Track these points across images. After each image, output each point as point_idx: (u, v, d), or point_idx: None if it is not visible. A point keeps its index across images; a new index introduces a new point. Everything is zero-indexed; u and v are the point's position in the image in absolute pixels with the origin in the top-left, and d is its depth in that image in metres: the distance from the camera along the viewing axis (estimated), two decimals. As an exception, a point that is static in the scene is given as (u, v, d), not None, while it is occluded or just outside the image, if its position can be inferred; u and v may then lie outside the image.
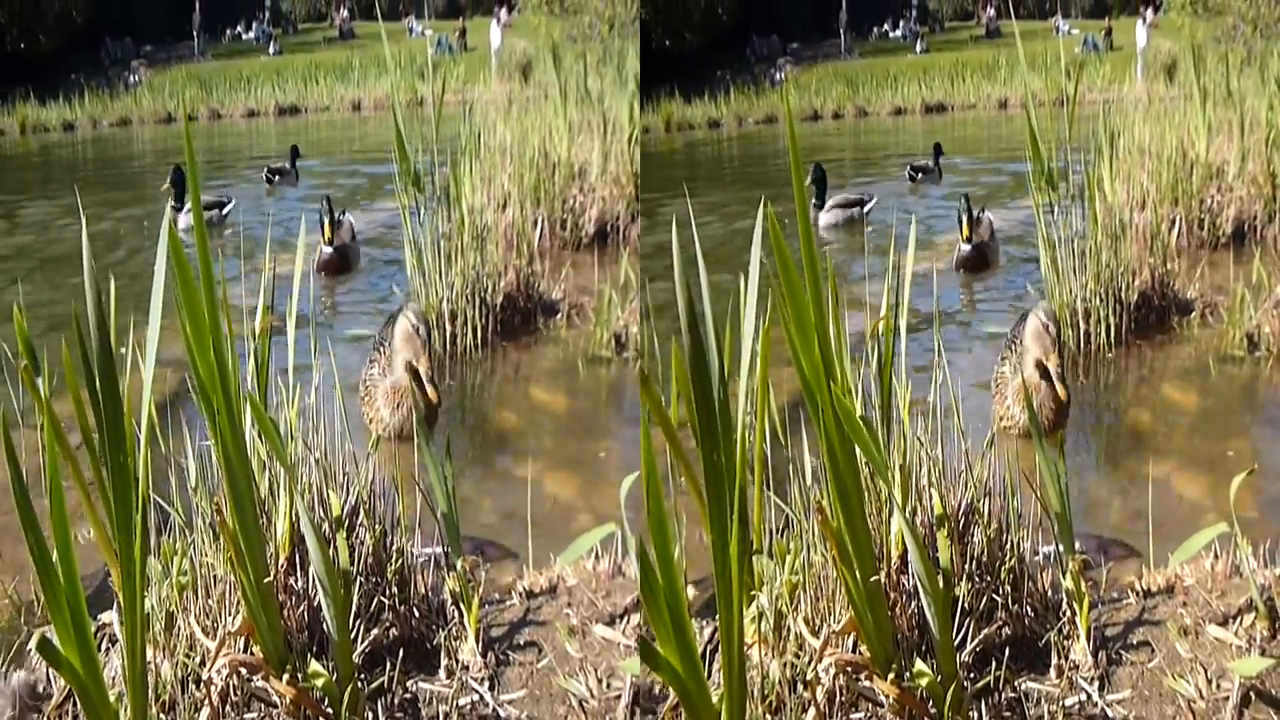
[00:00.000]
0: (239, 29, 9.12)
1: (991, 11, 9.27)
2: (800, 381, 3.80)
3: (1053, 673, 4.36)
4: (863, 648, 4.16)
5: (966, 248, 7.29)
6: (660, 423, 3.85)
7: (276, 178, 8.52)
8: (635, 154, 7.67)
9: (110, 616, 4.43)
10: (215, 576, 4.41)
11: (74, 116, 8.88)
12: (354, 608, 4.44)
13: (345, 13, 9.18)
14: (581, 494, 5.51)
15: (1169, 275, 6.78)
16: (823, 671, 4.16)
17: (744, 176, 8.75)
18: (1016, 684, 4.32)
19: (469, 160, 7.26)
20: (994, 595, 4.46)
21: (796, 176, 3.69)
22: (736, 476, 3.71)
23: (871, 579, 4.01)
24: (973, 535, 4.54)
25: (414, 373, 5.74)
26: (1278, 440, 5.96)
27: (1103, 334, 6.49)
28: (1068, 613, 4.46)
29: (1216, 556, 4.70)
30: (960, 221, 7.27)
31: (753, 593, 4.28)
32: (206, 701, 4.22)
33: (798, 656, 4.25)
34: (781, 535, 4.48)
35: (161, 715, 4.22)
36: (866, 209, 8.02)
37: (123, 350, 4.33)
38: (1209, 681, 4.26)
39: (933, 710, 4.14)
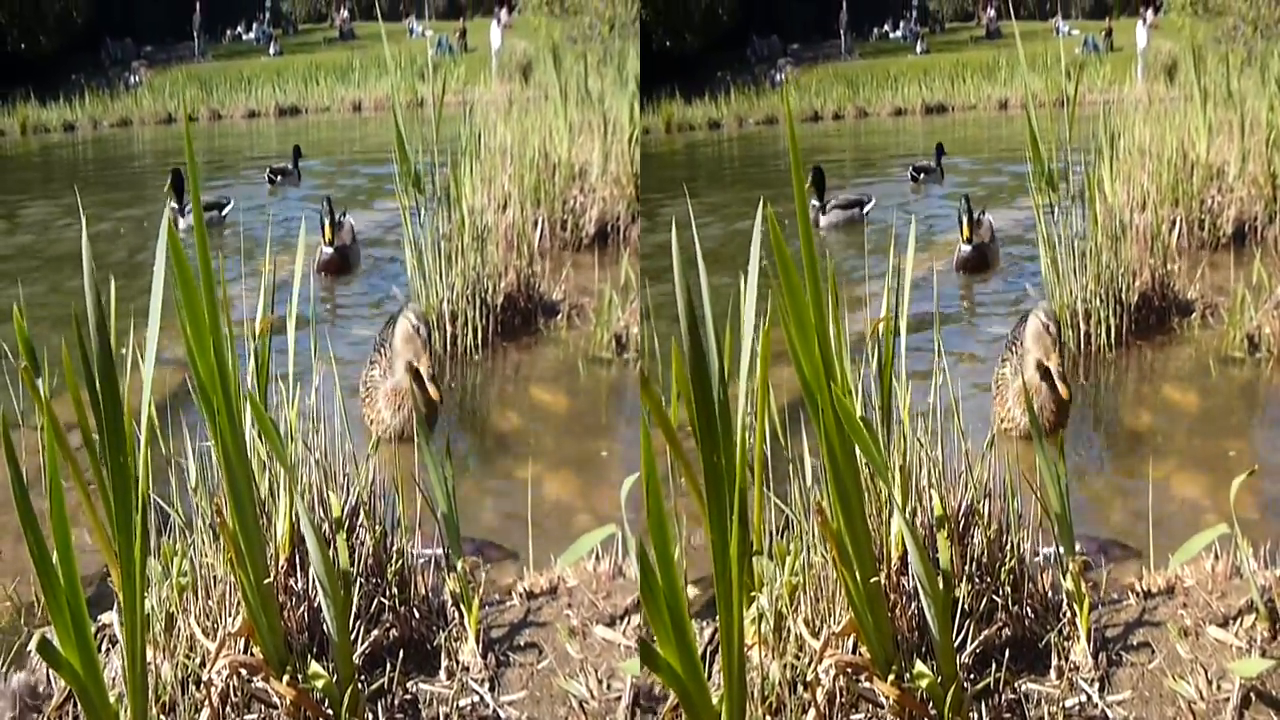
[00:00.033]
0: (239, 30, 9.13)
1: (992, 12, 9.27)
2: (800, 382, 3.80)
3: (1053, 674, 4.36)
4: (863, 649, 4.16)
5: (967, 248, 7.29)
6: (660, 424, 3.84)
7: (279, 178, 8.53)
8: (635, 154, 7.67)
9: (110, 617, 4.44)
10: (215, 577, 4.41)
11: (74, 117, 8.89)
12: (354, 609, 4.44)
13: (345, 13, 9.19)
14: (582, 495, 5.51)
15: (1169, 276, 6.78)
16: (823, 673, 4.16)
17: (744, 177, 8.76)
18: (1017, 685, 4.32)
19: (469, 161, 7.26)
20: (994, 596, 4.46)
21: (797, 177, 3.69)
22: (736, 478, 3.71)
23: (871, 580, 4.00)
24: (973, 536, 4.54)
25: (415, 373, 5.75)
26: (1278, 441, 5.95)
27: (1103, 335, 6.49)
28: (1068, 614, 4.46)
29: (1217, 557, 4.70)
30: (960, 222, 7.28)
31: (753, 594, 4.28)
32: (206, 702, 4.21)
33: (798, 658, 4.25)
34: (781, 536, 4.48)
35: (161, 716, 4.22)
36: (865, 210, 8.03)
37: (123, 350, 4.34)
38: (1209, 683, 4.26)
39: (933, 711, 4.14)
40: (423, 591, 4.68)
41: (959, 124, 9.10)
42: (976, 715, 4.23)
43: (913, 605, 4.30)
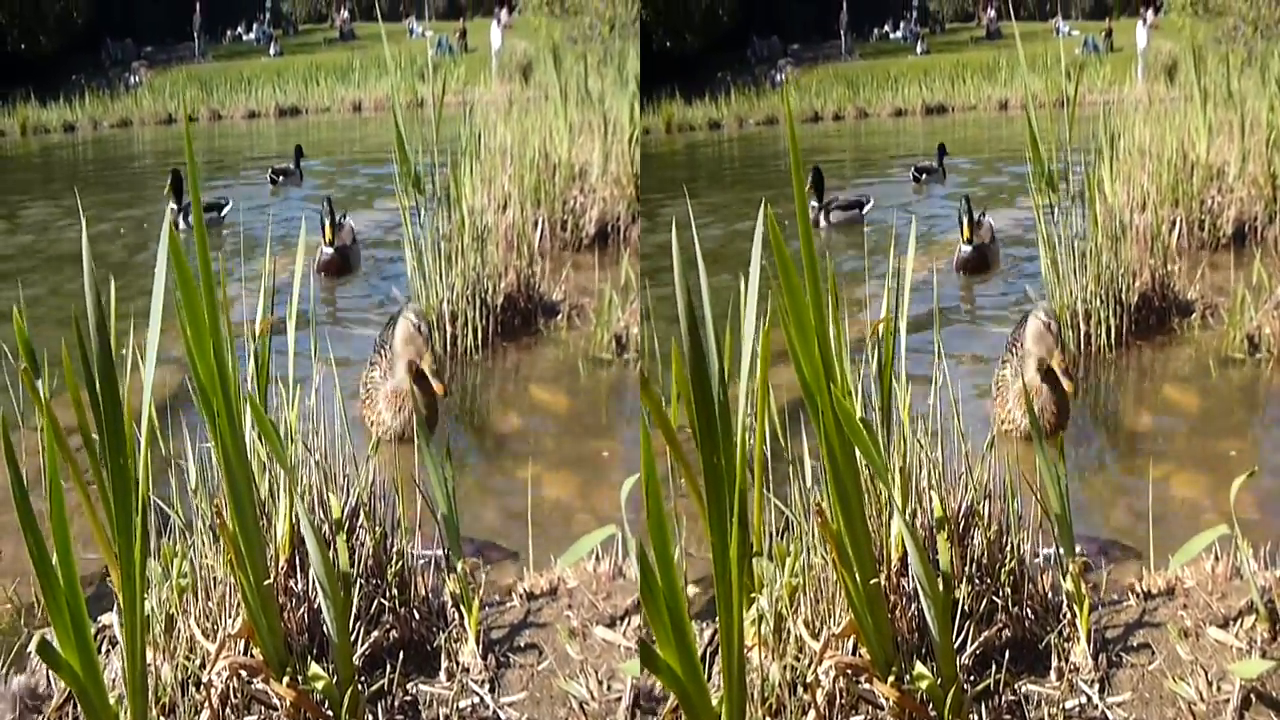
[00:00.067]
0: (239, 30, 9.13)
1: (992, 13, 9.27)
2: (800, 383, 3.80)
3: (1053, 675, 4.36)
4: (863, 650, 4.16)
5: (967, 249, 7.29)
6: (660, 425, 3.84)
7: (281, 178, 8.53)
8: (636, 155, 7.67)
9: (110, 618, 4.43)
10: (215, 579, 4.41)
11: (75, 118, 8.89)
12: (354, 610, 4.44)
13: (346, 14, 9.19)
14: (582, 495, 5.51)
15: (1169, 276, 6.78)
16: (823, 674, 4.15)
17: (745, 178, 8.76)
18: (1017, 686, 4.31)
19: (469, 161, 7.26)
20: (994, 597, 4.46)
21: (797, 179, 3.69)
22: (736, 479, 3.71)
23: (871, 581, 4.00)
24: (973, 537, 4.54)
25: (417, 373, 5.75)
26: (1279, 441, 5.95)
27: (1103, 335, 6.49)
28: (1068, 615, 4.46)
29: (1217, 558, 4.69)
30: (961, 223, 7.27)
31: (753, 595, 4.28)
32: (206, 704, 4.21)
33: (798, 659, 4.24)
34: (781, 537, 4.48)
35: (161, 718, 4.22)
36: (865, 210, 8.04)
37: (123, 351, 4.34)
38: (1209, 684, 4.26)
39: (933, 713, 4.13)
40: (423, 592, 4.68)
41: (959, 124, 9.10)
42: (976, 717, 4.23)
43: (913, 606, 4.30)
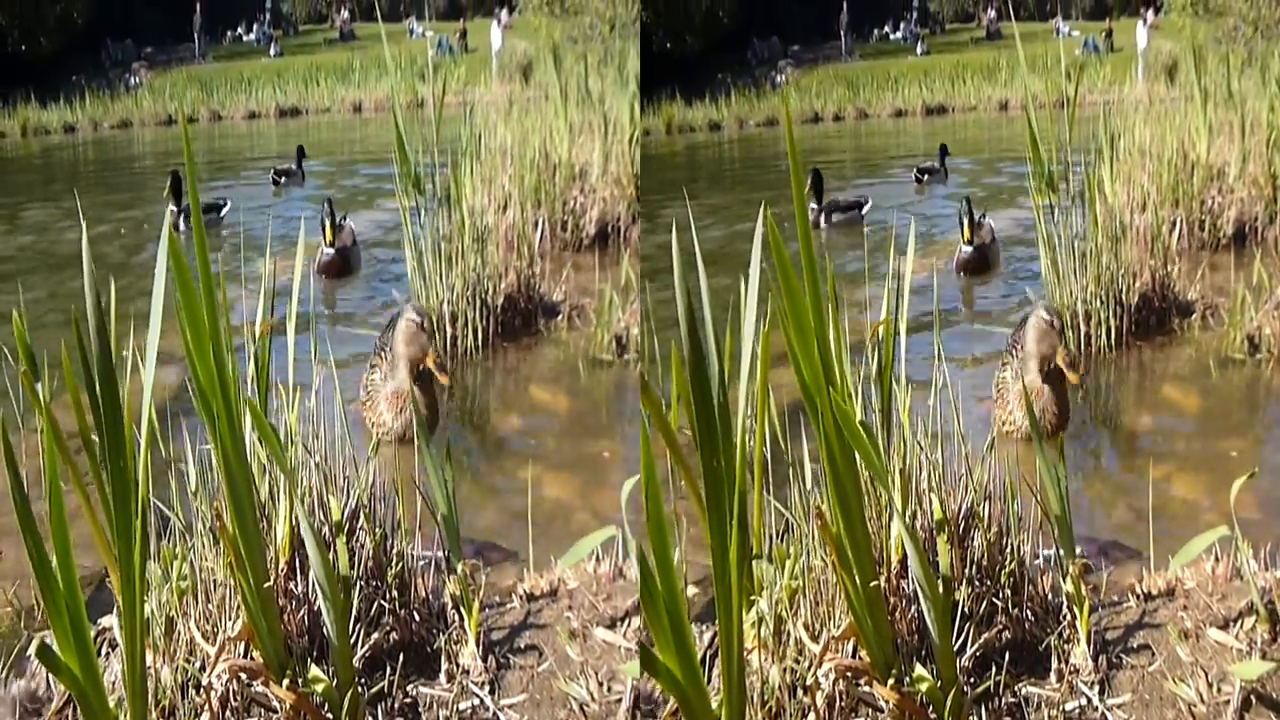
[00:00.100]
0: (239, 31, 9.12)
1: (992, 13, 9.27)
2: (800, 386, 3.80)
3: (1053, 677, 4.36)
4: (862, 653, 4.16)
5: (968, 249, 7.28)
6: (660, 429, 3.84)
7: (283, 179, 8.53)
8: (636, 155, 7.67)
9: (110, 621, 4.44)
10: (215, 581, 4.41)
11: (75, 119, 8.88)
12: (354, 612, 4.44)
13: (346, 14, 9.18)
14: (583, 496, 5.50)
15: (1169, 277, 6.78)
16: (822, 677, 4.16)
17: (745, 179, 8.76)
18: (1016, 689, 4.32)
19: (469, 162, 7.26)
20: (994, 599, 4.46)
21: (796, 181, 3.69)
22: (736, 483, 3.71)
23: (871, 584, 4.00)
24: (973, 539, 4.54)
25: (417, 374, 5.76)
26: (1279, 442, 5.95)
27: (1103, 336, 6.49)
28: (1068, 616, 4.46)
29: (1217, 559, 4.70)
30: (961, 224, 7.27)
31: (752, 598, 4.28)
32: (206, 707, 4.22)
33: (797, 662, 4.24)
34: (781, 540, 4.48)
35: (161, 720, 4.23)
36: (864, 210, 8.04)
37: (123, 353, 4.34)
38: (1210, 685, 4.26)
39: (933, 715, 4.14)
40: (423, 594, 4.68)
41: (959, 125, 9.10)
42: (976, 719, 4.23)
43: (912, 609, 4.30)
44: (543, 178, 7.57)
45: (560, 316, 7.01)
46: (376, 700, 4.36)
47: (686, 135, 8.84)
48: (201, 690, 4.23)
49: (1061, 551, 4.51)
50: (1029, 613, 4.50)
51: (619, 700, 4.40)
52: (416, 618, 4.62)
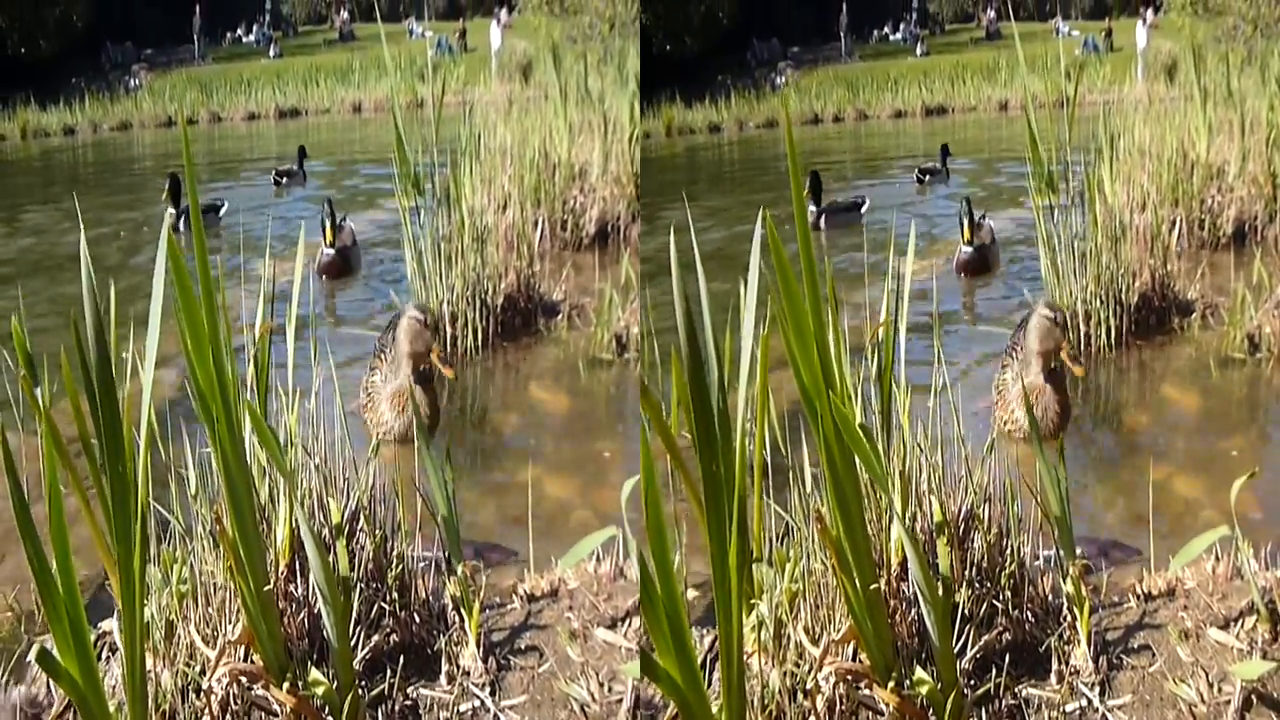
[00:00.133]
0: (239, 32, 9.13)
1: (991, 13, 9.27)
2: (799, 390, 3.79)
3: (1053, 678, 4.36)
4: (863, 656, 4.15)
5: (968, 250, 7.28)
6: (660, 433, 3.84)
7: (284, 179, 8.53)
8: (636, 154, 7.67)
9: (110, 625, 4.43)
10: (215, 584, 4.41)
11: (74, 121, 8.89)
12: (354, 614, 4.44)
13: (345, 15, 9.18)
14: (583, 495, 5.50)
15: (1169, 276, 6.77)
16: (823, 680, 4.15)
17: (745, 181, 8.76)
18: (1017, 690, 4.32)
19: (469, 161, 7.25)
20: (994, 601, 4.46)
21: (795, 183, 3.69)
22: (736, 487, 3.71)
23: (871, 587, 4.00)
24: (973, 541, 4.54)
25: (419, 374, 5.76)
26: (1279, 441, 5.95)
27: (1103, 336, 6.49)
28: (1068, 617, 4.46)
29: (1218, 559, 4.69)
30: (961, 224, 7.27)
31: (752, 601, 4.28)
32: (206, 711, 4.22)
33: (798, 665, 4.24)
34: (781, 543, 4.48)
35: (161, 724, 4.23)
36: (862, 210, 8.04)
37: (123, 355, 4.34)
38: (1210, 685, 4.26)
39: (933, 718, 4.13)
40: (423, 596, 4.67)
41: (959, 126, 9.10)
42: (976, 721, 4.24)
43: (913, 611, 4.30)
44: (542, 177, 7.56)
45: (560, 316, 7.01)
46: (377, 703, 4.36)
47: (686, 137, 8.84)
48: (202, 694, 4.23)
49: (1061, 552, 4.51)
50: (1029, 614, 4.50)
51: (620, 701, 4.40)
52: (417, 619, 4.62)
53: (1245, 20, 8.08)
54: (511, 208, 7.34)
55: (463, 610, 4.58)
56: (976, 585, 4.46)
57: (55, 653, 3.69)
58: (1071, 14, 9.04)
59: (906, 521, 4.22)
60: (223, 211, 8.06)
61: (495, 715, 4.39)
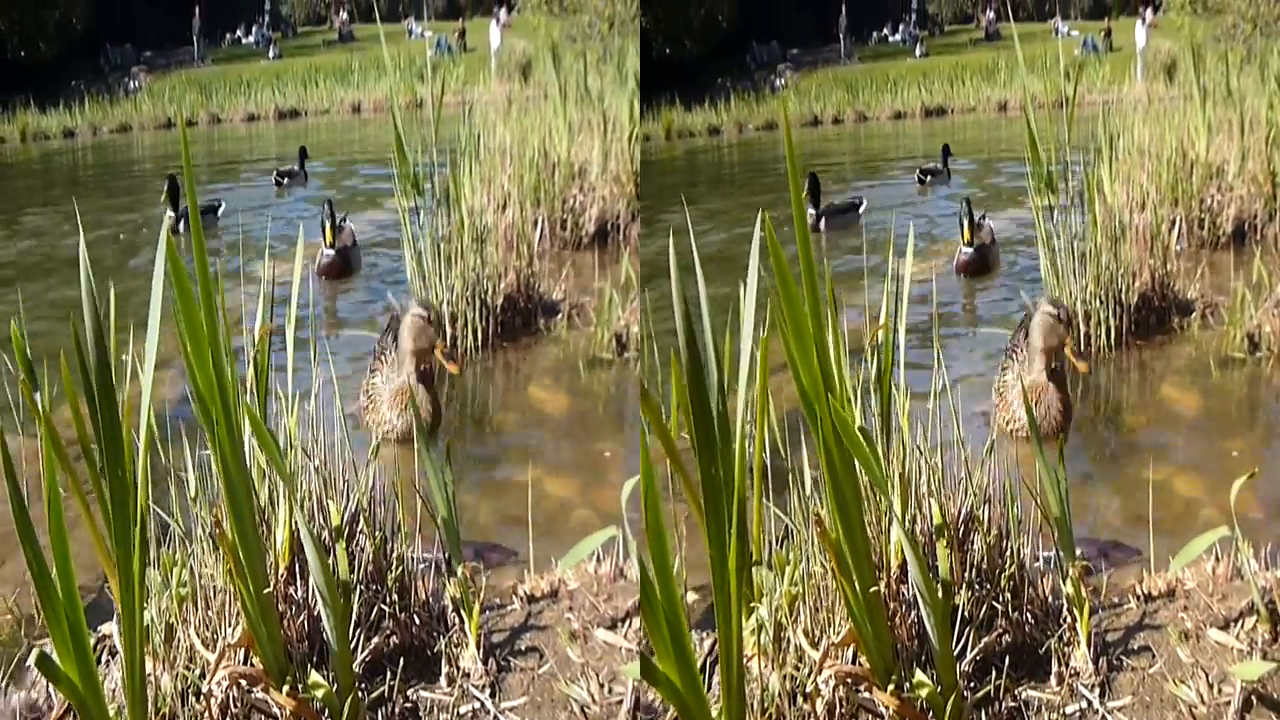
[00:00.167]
0: (238, 33, 9.12)
1: (991, 14, 9.26)
2: (799, 393, 3.79)
3: (1053, 680, 4.36)
4: (862, 659, 4.16)
5: (968, 251, 7.27)
6: (660, 436, 3.84)
7: (286, 180, 8.53)
8: (636, 153, 7.67)
9: (110, 628, 4.43)
10: (215, 587, 4.41)
11: (74, 123, 8.88)
12: (354, 616, 4.44)
13: (344, 15, 9.18)
14: (583, 495, 5.50)
15: (1169, 276, 6.77)
16: (822, 683, 4.16)
17: (745, 183, 8.76)
18: (1017, 692, 4.32)
19: (469, 161, 7.25)
20: (994, 603, 4.46)
21: (794, 186, 3.68)
22: (735, 491, 3.71)
23: (871, 590, 4.00)
24: (972, 542, 4.54)
25: (421, 373, 5.77)
26: (1279, 441, 5.95)
27: (1103, 336, 6.49)
28: (1068, 619, 4.46)
29: (1218, 559, 4.69)
30: (961, 225, 7.26)
31: (752, 605, 4.27)
32: (206, 714, 4.22)
33: (797, 668, 4.24)
34: (781, 546, 4.48)
35: (161, 728, 4.23)
36: (860, 210, 8.04)
37: (123, 358, 4.34)
38: (1210, 686, 4.26)
39: (933, 720, 4.15)
40: (423, 597, 4.68)
41: (958, 126, 9.09)
42: (976, 723, 4.24)
43: (912, 614, 4.30)
44: (542, 176, 7.56)
45: (560, 315, 7.01)
46: (377, 705, 4.36)
47: (686, 140, 8.83)
48: (201, 697, 4.23)
49: (1061, 554, 4.51)
50: (1029, 616, 4.50)
51: (620, 702, 4.40)
52: (417, 621, 4.62)
53: (1244, 19, 8.08)
54: (511, 207, 7.34)
55: (463, 612, 4.58)
56: (976, 587, 4.46)
57: (55, 657, 3.70)
58: (1070, 14, 9.03)
59: (906, 524, 4.22)
60: (220, 212, 8.06)
61: (495, 717, 4.39)
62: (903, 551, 4.28)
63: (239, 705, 4.26)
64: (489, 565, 5.01)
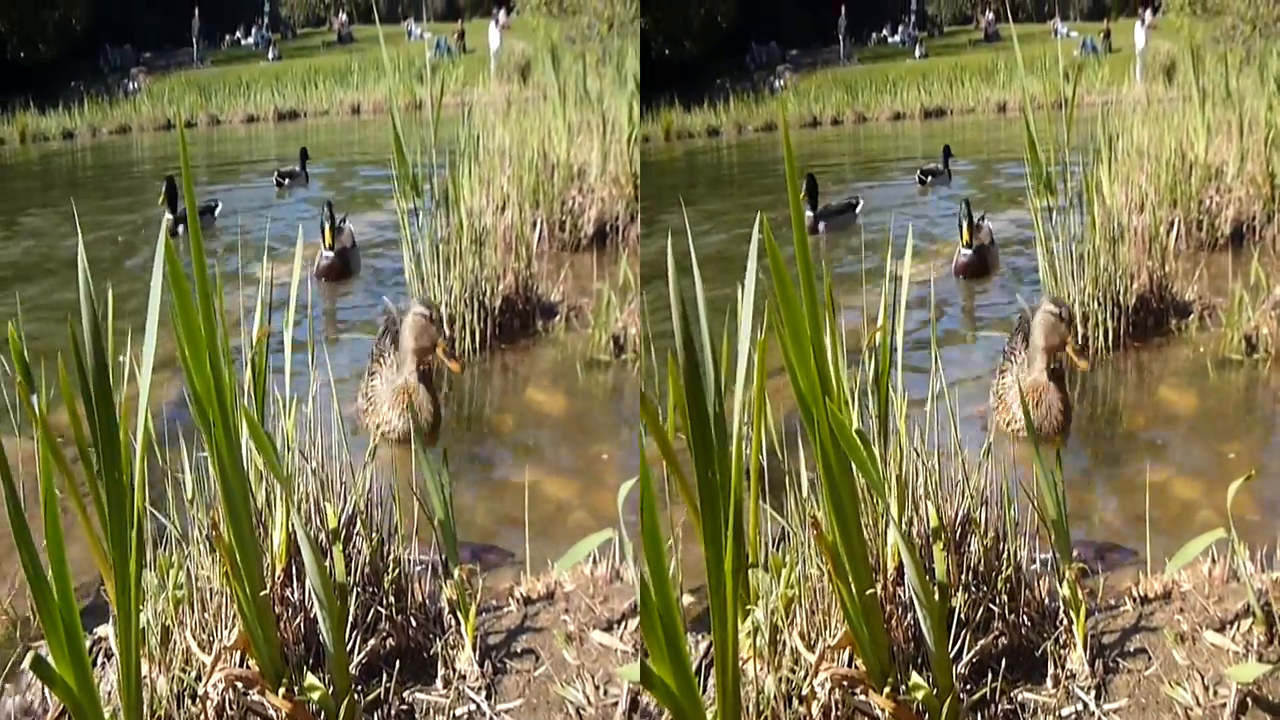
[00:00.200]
0: (238, 35, 9.13)
1: (990, 15, 9.26)
2: (796, 396, 3.79)
3: (1049, 682, 4.36)
4: (858, 661, 4.15)
5: (967, 252, 7.27)
6: (657, 440, 3.84)
7: (286, 181, 8.53)
8: (635, 154, 7.66)
9: (106, 630, 4.43)
10: (211, 590, 4.40)
11: (74, 124, 8.89)
12: (350, 619, 4.43)
13: (344, 17, 9.18)
14: (580, 497, 5.50)
15: (1167, 278, 6.77)
16: (818, 686, 4.15)
17: (744, 184, 8.76)
18: (1013, 695, 4.32)
19: (468, 163, 7.25)
20: (990, 605, 4.46)
21: (793, 188, 3.68)
22: (732, 493, 3.71)
23: (867, 592, 4.00)
24: (969, 545, 4.54)
25: (423, 373, 5.77)
26: (1277, 443, 5.94)
27: (1101, 337, 6.49)
28: (1064, 621, 4.46)
29: (1214, 561, 4.69)
30: (960, 227, 7.26)
31: (748, 607, 4.27)
32: (202, 716, 4.22)
33: (793, 671, 4.24)
34: (777, 548, 4.48)
35: (157, 730, 4.23)
36: (857, 210, 8.04)
37: (121, 359, 4.33)
38: (1206, 688, 4.26)
39: (929, 723, 4.15)
40: (419, 599, 4.67)
41: (958, 127, 9.09)
42: (972, 726, 4.24)
43: (909, 616, 4.30)
44: (541, 178, 7.56)
45: (558, 317, 7.00)
46: (373, 707, 4.36)
47: (685, 141, 8.84)
48: (197, 700, 4.22)
49: (1058, 556, 4.50)
50: (1025, 618, 4.50)
51: (615, 704, 4.40)
52: (413, 623, 4.62)
53: (1244, 20, 8.08)
54: (510, 209, 7.34)
55: (459, 614, 4.58)
56: (972, 590, 4.46)
57: (50, 659, 3.70)
58: (1070, 15, 9.04)
59: (903, 526, 4.22)
60: (217, 212, 8.06)
61: (490, 719, 4.38)
62: (899, 554, 4.28)
63: (235, 708, 4.25)
64: (486, 567, 5.00)
